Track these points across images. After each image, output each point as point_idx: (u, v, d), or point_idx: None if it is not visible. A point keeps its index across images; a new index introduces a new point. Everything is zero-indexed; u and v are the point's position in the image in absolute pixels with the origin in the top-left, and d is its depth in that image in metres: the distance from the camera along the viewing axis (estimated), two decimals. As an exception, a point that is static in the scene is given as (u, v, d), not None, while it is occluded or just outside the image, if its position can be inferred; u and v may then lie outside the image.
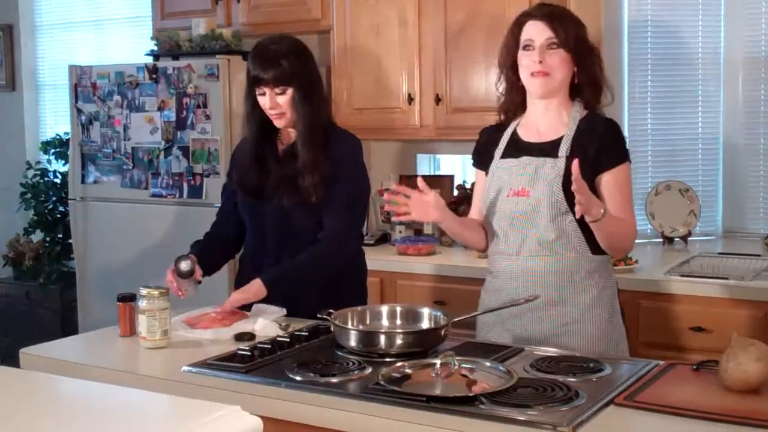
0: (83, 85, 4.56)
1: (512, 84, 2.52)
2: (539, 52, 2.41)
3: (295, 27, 4.10)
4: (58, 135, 5.52)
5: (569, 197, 2.30)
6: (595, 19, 3.81)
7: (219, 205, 2.99)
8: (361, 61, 4.10)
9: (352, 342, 2.23)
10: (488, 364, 2.04)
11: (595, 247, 2.40)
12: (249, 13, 4.41)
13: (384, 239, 4.20)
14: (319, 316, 2.37)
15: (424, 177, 4.28)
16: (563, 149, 2.41)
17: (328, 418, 1.90)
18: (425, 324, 2.40)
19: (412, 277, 3.71)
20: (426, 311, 2.44)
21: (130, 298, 2.50)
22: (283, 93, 2.67)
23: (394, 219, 2.50)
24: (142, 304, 2.38)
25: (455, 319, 2.31)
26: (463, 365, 2.01)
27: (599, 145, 2.40)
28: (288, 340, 2.34)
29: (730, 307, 3.06)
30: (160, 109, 4.29)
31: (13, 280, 5.58)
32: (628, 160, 2.46)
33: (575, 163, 2.22)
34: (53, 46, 5.93)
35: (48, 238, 5.44)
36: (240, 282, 2.86)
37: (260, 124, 2.74)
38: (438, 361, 1.99)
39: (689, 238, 3.83)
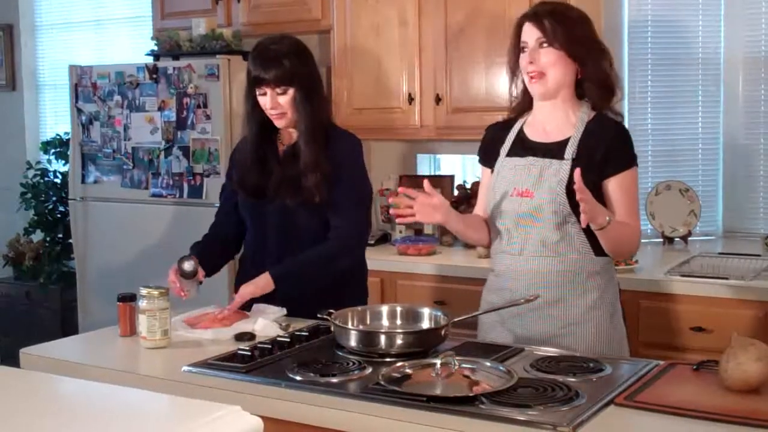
0: (83, 85, 4.56)
1: (524, 86, 2.52)
2: (530, 52, 2.41)
3: (295, 27, 4.10)
4: (58, 135, 5.52)
5: (573, 200, 2.30)
6: (595, 19, 3.79)
7: (219, 205, 2.99)
8: (361, 61, 4.10)
9: (353, 342, 2.23)
10: (488, 364, 2.04)
11: (597, 249, 2.40)
12: (249, 13, 4.41)
13: (384, 239, 4.20)
14: (319, 316, 2.37)
15: (424, 177, 4.31)
16: (569, 151, 2.40)
17: (328, 418, 1.90)
18: (425, 324, 2.40)
19: (413, 277, 3.71)
20: (426, 311, 2.44)
21: (130, 298, 2.50)
22: (284, 93, 2.67)
23: (397, 221, 2.49)
24: (142, 304, 2.38)
25: (455, 319, 2.31)
26: (464, 365, 2.01)
27: (607, 149, 2.39)
28: (288, 340, 2.34)
29: (730, 307, 3.06)
30: (160, 109, 4.29)
31: (13, 280, 5.58)
32: (635, 164, 2.44)
33: (577, 172, 2.21)
34: (53, 46, 5.93)
35: (48, 238, 5.44)
36: (240, 282, 2.87)
37: (260, 124, 2.74)
38: (438, 361, 1.99)
39: (689, 238, 3.83)
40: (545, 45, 2.40)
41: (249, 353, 2.20)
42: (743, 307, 3.04)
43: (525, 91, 2.53)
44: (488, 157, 2.59)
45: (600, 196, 2.38)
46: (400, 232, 4.09)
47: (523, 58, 2.44)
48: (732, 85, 3.93)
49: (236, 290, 2.88)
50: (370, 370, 2.07)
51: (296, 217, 2.71)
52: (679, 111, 4.01)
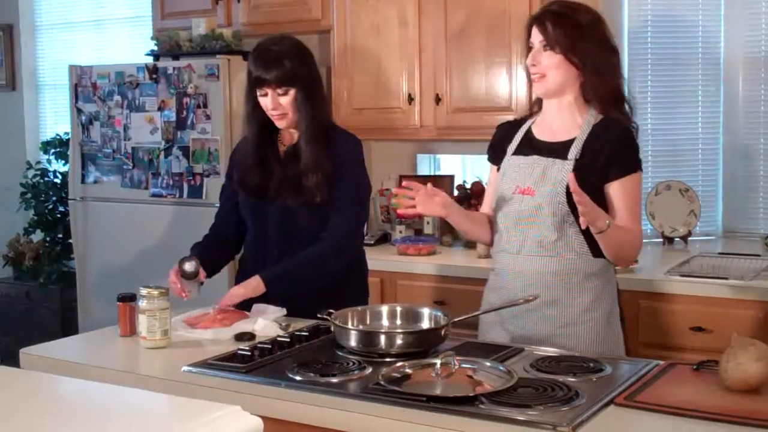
0: (83, 85, 4.56)
1: None
2: (533, 54, 2.44)
3: (295, 27, 4.10)
4: (58, 135, 5.52)
5: (572, 200, 2.29)
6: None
7: (219, 205, 2.99)
8: (361, 61, 4.10)
9: (352, 342, 2.23)
10: (488, 364, 2.04)
11: (596, 251, 2.39)
12: (249, 13, 4.41)
13: (384, 239, 4.20)
14: (319, 316, 2.37)
15: (424, 177, 4.31)
16: (573, 152, 2.41)
17: (328, 418, 1.90)
18: (425, 324, 2.40)
19: (412, 277, 3.71)
20: (426, 311, 2.44)
21: (130, 298, 2.50)
22: (285, 93, 2.67)
23: (400, 211, 2.49)
24: (142, 304, 2.38)
25: (455, 319, 2.31)
26: (464, 365, 2.01)
27: (611, 153, 2.39)
28: (288, 340, 2.34)
29: (730, 307, 3.06)
30: (160, 109, 4.29)
31: (13, 280, 5.58)
32: (639, 169, 2.43)
33: (570, 175, 2.23)
34: (53, 46, 5.93)
35: (48, 238, 5.44)
36: (240, 283, 2.87)
37: (261, 124, 2.74)
38: (438, 361, 1.99)
39: (689, 238, 3.83)
40: (547, 48, 2.41)
41: (249, 353, 2.20)
42: (743, 307, 3.04)
43: None
44: (496, 155, 2.60)
45: (602, 199, 2.38)
46: (400, 232, 4.10)
47: (528, 59, 2.46)
48: (732, 85, 3.93)
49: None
50: (370, 370, 2.07)
51: (297, 217, 2.71)
52: (679, 111, 4.01)
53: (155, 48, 4.59)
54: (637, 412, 1.82)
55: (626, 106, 2.49)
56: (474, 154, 4.36)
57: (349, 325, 2.35)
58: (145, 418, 1.40)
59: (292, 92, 2.67)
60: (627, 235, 2.38)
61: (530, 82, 2.50)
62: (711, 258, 3.46)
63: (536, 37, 2.43)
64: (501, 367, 2.01)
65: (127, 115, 4.41)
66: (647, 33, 3.99)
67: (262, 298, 2.63)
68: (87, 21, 5.76)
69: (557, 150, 2.43)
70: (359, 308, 2.46)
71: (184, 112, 4.21)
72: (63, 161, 5.43)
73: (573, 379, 1.98)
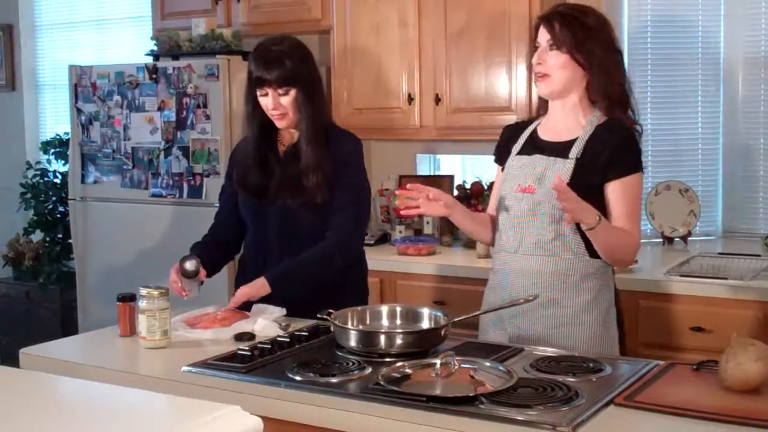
0: (83, 85, 4.56)
1: None
2: (539, 53, 2.45)
3: (295, 27, 4.10)
4: (58, 135, 5.52)
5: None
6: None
7: (219, 206, 2.98)
8: (361, 61, 4.10)
9: (352, 342, 2.23)
10: (488, 364, 2.04)
11: (593, 251, 2.39)
12: (249, 13, 4.41)
13: (384, 239, 4.20)
14: (319, 316, 2.37)
15: (424, 177, 4.31)
16: (574, 151, 2.41)
17: (328, 418, 1.90)
18: (425, 324, 2.40)
19: (412, 277, 3.71)
20: (426, 311, 2.44)
21: (130, 298, 2.50)
22: (286, 93, 2.67)
23: (404, 212, 2.50)
24: (142, 304, 2.38)
25: (455, 319, 2.31)
26: (463, 365, 2.01)
27: (611, 153, 2.39)
28: (288, 340, 2.34)
29: (729, 307, 3.06)
30: (160, 109, 4.29)
31: (13, 280, 5.58)
32: (639, 170, 2.42)
33: (557, 175, 2.25)
34: (53, 46, 5.93)
35: (48, 238, 5.44)
36: (240, 283, 2.86)
37: (261, 124, 2.74)
38: (438, 361, 1.99)
39: (689, 238, 3.83)
40: (554, 48, 2.42)
41: (249, 353, 2.20)
42: (743, 307, 3.04)
43: None
44: (502, 156, 2.61)
45: (602, 199, 2.39)
46: (400, 232, 4.10)
47: (534, 58, 2.47)
48: (732, 85, 3.93)
49: (236, 290, 2.89)
50: (369, 370, 2.07)
51: (297, 217, 2.71)
52: (679, 111, 4.01)
53: (155, 48, 4.59)
54: (637, 412, 1.82)
55: (631, 108, 2.48)
56: (474, 154, 4.36)
57: (349, 325, 2.35)
58: (144, 418, 1.40)
59: (292, 92, 2.67)
60: (621, 236, 2.38)
61: (531, 82, 2.51)
62: (711, 258, 3.46)
63: (543, 36, 2.44)
64: (501, 367, 2.01)
65: (127, 115, 4.41)
66: (647, 33, 3.99)
67: (266, 299, 2.63)
68: (87, 21, 5.76)
69: (559, 149, 2.44)
70: (359, 308, 2.46)
71: (184, 112, 4.21)
72: (63, 161, 5.43)
73: (573, 379, 1.98)
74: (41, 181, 5.48)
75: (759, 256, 3.47)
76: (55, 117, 5.88)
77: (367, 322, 2.43)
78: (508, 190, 2.48)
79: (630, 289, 3.09)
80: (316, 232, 2.71)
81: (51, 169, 5.56)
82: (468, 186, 4.10)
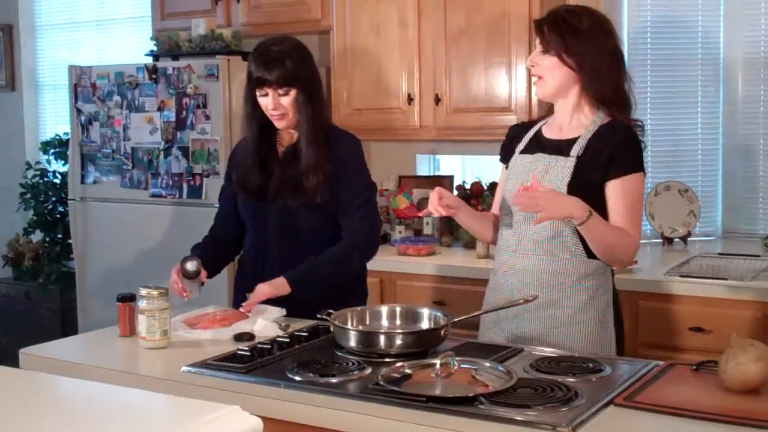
0: (83, 85, 4.56)
1: None
2: (532, 56, 2.49)
3: (295, 27, 4.10)
4: (57, 135, 5.52)
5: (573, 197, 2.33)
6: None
7: (218, 207, 2.98)
8: (361, 62, 4.10)
9: (352, 342, 2.23)
10: (488, 364, 2.04)
11: (591, 252, 2.40)
12: (249, 14, 4.41)
13: (384, 239, 4.19)
14: (318, 316, 2.37)
15: (424, 178, 4.32)
16: (576, 149, 2.42)
17: (327, 418, 1.90)
18: (425, 324, 2.40)
19: (412, 278, 3.71)
20: (426, 311, 2.44)
21: (129, 298, 2.50)
22: (286, 94, 2.67)
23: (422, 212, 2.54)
24: (142, 304, 2.38)
25: (455, 320, 2.31)
26: (463, 365, 2.01)
27: (612, 151, 2.39)
28: (288, 340, 2.34)
29: (729, 307, 3.06)
30: (159, 109, 4.29)
31: (13, 281, 5.58)
32: (640, 170, 2.42)
33: (532, 174, 2.33)
34: (53, 46, 5.93)
35: (48, 239, 5.44)
36: (240, 283, 2.87)
37: (260, 125, 2.74)
38: (438, 362, 1.99)
39: (689, 239, 3.83)
40: (545, 52, 2.44)
41: (248, 353, 2.20)
42: (742, 307, 3.04)
43: None
44: (507, 155, 2.62)
45: (602, 199, 2.39)
46: (400, 232, 4.10)
47: (527, 61, 2.51)
48: (732, 85, 3.94)
49: (236, 290, 2.89)
50: (369, 370, 2.07)
51: (298, 217, 2.71)
52: (679, 112, 4.01)
53: (155, 48, 4.59)
54: (637, 412, 1.82)
55: (632, 108, 2.49)
56: (474, 155, 4.36)
57: (349, 326, 2.35)
58: (144, 418, 1.40)
59: (293, 93, 2.67)
60: (618, 235, 2.37)
61: (530, 82, 2.53)
62: (710, 258, 3.46)
63: (537, 40, 2.48)
64: (500, 368, 2.01)
65: (127, 115, 4.41)
66: (647, 34, 3.99)
67: (285, 299, 2.61)
68: (87, 21, 5.76)
69: (561, 147, 2.45)
70: (359, 308, 2.46)
71: (184, 113, 4.21)
72: (62, 161, 5.43)
73: (572, 380, 1.98)
74: (41, 181, 5.48)
75: (759, 256, 3.47)
76: (54, 117, 5.88)
77: (367, 322, 2.43)
78: (512, 189, 2.49)
79: (630, 290, 3.10)
80: (316, 232, 2.71)
81: (51, 169, 5.57)
82: (468, 186, 4.10)
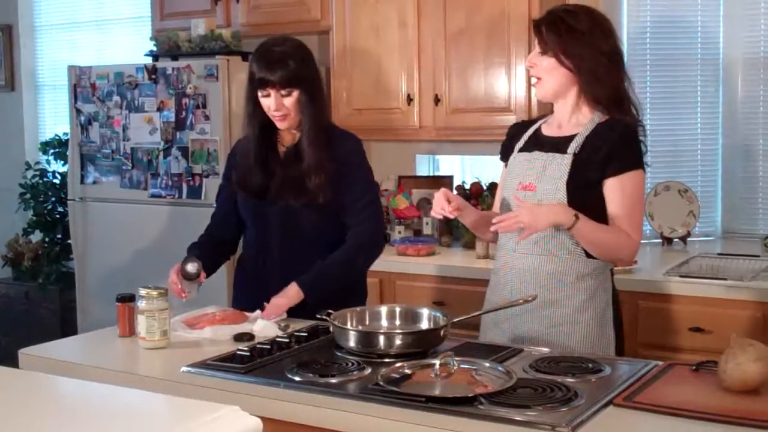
0: (82, 85, 4.56)
1: None
2: (530, 57, 2.49)
3: (295, 27, 4.10)
4: (57, 135, 5.52)
5: (572, 195, 2.33)
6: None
7: (216, 206, 2.98)
8: (360, 62, 4.10)
9: (352, 342, 2.23)
10: (487, 364, 2.04)
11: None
12: (248, 14, 4.41)
13: (383, 239, 4.19)
14: (318, 316, 2.37)
15: (424, 178, 4.32)
16: (573, 146, 2.41)
17: (326, 418, 1.90)
18: (424, 324, 2.40)
19: (412, 278, 3.71)
20: (425, 312, 2.44)
21: (129, 299, 2.50)
22: (288, 95, 2.66)
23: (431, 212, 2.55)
24: (142, 304, 2.38)
25: (454, 320, 2.31)
26: (463, 366, 2.01)
27: (610, 149, 2.38)
28: (287, 340, 2.34)
29: (729, 307, 3.06)
30: (159, 109, 4.29)
31: (13, 281, 5.58)
32: (639, 167, 2.41)
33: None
34: (53, 46, 5.93)
35: (47, 239, 5.44)
36: (239, 283, 2.87)
37: (262, 125, 2.74)
38: (437, 362, 1.99)
39: (688, 239, 3.83)
40: (543, 53, 2.44)
41: (248, 354, 2.20)
42: (742, 307, 3.04)
43: None
44: (507, 154, 2.63)
45: (600, 197, 2.39)
46: (399, 232, 4.09)
47: (526, 62, 2.52)
48: (731, 85, 3.94)
49: (236, 290, 2.89)
50: (369, 370, 2.07)
51: (299, 217, 2.71)
52: (679, 112, 4.01)
53: (154, 48, 4.59)
54: (636, 412, 1.82)
55: (632, 109, 2.48)
56: (473, 155, 4.36)
57: (348, 326, 2.35)
58: (144, 419, 1.40)
59: (295, 93, 2.66)
60: (612, 234, 2.37)
61: (530, 83, 2.53)
62: (710, 258, 3.46)
63: (535, 41, 2.48)
64: (500, 368, 2.01)
65: (126, 115, 4.41)
66: (646, 34, 3.99)
67: (299, 306, 2.61)
68: (86, 21, 5.76)
69: (558, 145, 2.45)
70: (358, 309, 2.46)
71: (183, 113, 4.21)
72: (62, 162, 5.43)
73: (572, 380, 1.98)
74: (40, 181, 5.48)
75: (758, 256, 3.47)
76: (54, 117, 5.88)
77: (367, 322, 2.43)
78: (511, 188, 2.49)
79: (629, 290, 3.10)
80: (317, 232, 2.71)
81: (50, 169, 5.56)
82: (467, 186, 4.10)
